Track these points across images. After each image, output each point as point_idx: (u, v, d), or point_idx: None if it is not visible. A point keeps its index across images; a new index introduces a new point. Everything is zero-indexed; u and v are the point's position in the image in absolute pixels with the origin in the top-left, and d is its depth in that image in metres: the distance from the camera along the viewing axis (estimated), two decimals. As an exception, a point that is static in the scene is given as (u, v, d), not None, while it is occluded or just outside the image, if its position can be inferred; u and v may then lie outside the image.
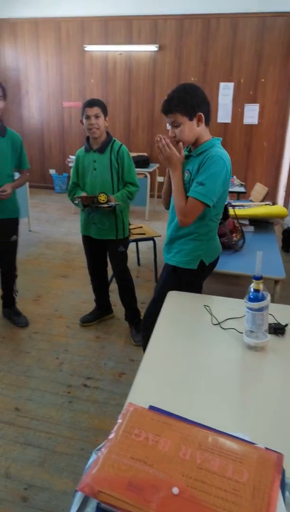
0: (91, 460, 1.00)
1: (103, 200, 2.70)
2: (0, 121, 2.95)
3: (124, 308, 3.21)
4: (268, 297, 1.48)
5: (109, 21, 7.04)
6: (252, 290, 1.47)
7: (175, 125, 1.93)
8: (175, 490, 0.87)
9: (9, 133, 2.98)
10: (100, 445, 1.03)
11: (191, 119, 1.91)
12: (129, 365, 2.84)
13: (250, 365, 1.43)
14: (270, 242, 3.12)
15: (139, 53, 7.11)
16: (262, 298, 1.46)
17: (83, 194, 2.79)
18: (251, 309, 1.46)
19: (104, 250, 3.11)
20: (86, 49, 7.27)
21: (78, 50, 7.37)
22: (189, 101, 1.89)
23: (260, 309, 1.46)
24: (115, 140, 2.84)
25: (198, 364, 1.42)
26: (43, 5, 7.25)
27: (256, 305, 1.46)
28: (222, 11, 6.53)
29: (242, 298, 1.90)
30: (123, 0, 6.86)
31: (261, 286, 1.46)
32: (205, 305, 1.76)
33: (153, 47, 6.93)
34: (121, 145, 2.83)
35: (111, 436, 1.02)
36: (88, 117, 2.70)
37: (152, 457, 0.95)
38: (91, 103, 2.70)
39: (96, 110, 2.68)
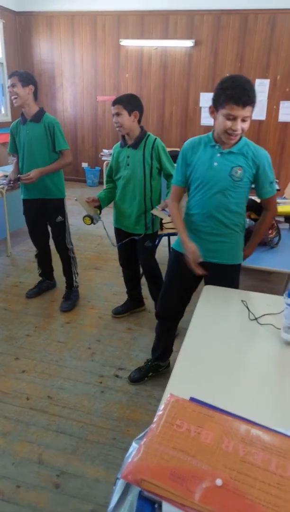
0: (131, 449, 1.01)
1: (88, 223, 2.81)
2: (40, 108, 3.09)
3: (154, 302, 3.21)
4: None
5: (145, 16, 7.02)
6: (293, 287, 1.45)
7: (246, 120, 1.81)
8: (219, 482, 0.87)
9: (44, 118, 3.08)
10: (141, 435, 1.04)
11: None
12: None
13: (288, 361, 1.42)
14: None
15: (174, 48, 7.06)
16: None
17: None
18: (291, 306, 1.45)
19: (135, 243, 3.12)
20: (121, 43, 7.26)
21: (114, 45, 7.37)
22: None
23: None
24: (149, 135, 2.78)
25: (236, 359, 1.42)
26: (80, -1, 7.28)
27: (296, 302, 1.45)
28: (260, 7, 6.42)
29: (274, 294, 1.91)
30: (160, -6, 6.82)
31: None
32: (242, 300, 1.75)
33: (189, 43, 6.87)
34: (155, 139, 2.77)
35: (153, 426, 1.03)
36: (113, 115, 2.72)
37: (195, 448, 0.95)
38: (113, 101, 2.68)
39: (116, 108, 2.66)
